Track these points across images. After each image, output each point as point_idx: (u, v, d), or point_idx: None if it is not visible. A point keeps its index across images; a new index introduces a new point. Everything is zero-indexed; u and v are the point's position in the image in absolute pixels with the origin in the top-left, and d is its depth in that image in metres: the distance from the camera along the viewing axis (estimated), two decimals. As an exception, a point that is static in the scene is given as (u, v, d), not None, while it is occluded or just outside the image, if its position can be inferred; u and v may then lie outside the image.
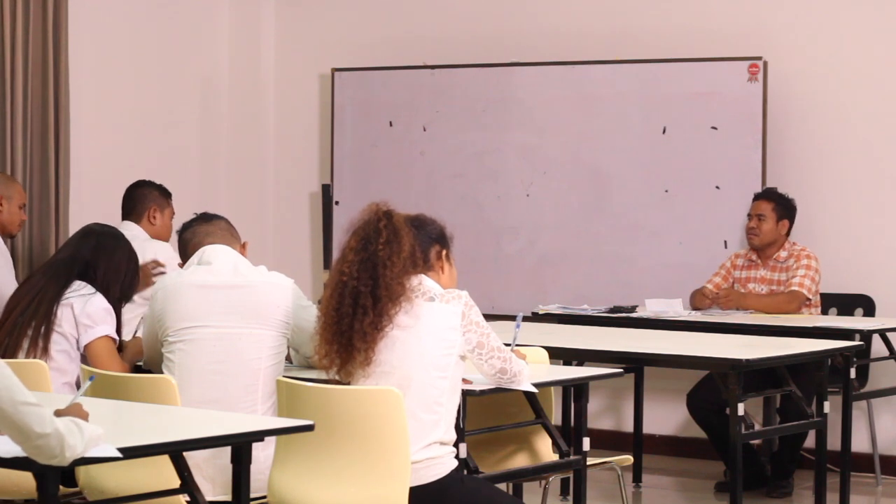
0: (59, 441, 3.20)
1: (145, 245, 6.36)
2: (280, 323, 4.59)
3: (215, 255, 4.68)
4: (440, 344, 4.18)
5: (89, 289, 4.92)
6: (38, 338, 4.82)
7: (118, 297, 4.99)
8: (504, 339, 4.43)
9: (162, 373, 4.59)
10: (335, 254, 4.37)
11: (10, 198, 6.77)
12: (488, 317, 4.40)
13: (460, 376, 4.26)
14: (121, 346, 5.01)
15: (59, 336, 4.85)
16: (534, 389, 4.49)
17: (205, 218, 4.90)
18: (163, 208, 6.71)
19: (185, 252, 4.80)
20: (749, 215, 7.23)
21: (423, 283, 4.25)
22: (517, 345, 4.80)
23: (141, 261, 5.37)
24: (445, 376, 4.18)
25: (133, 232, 6.39)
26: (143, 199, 6.70)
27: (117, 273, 5.00)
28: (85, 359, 4.89)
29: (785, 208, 7.17)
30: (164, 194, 6.77)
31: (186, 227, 4.87)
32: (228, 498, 3.80)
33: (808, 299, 7.02)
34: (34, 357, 4.78)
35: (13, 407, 3.15)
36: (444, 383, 4.18)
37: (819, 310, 7.10)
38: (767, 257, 7.17)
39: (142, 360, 4.96)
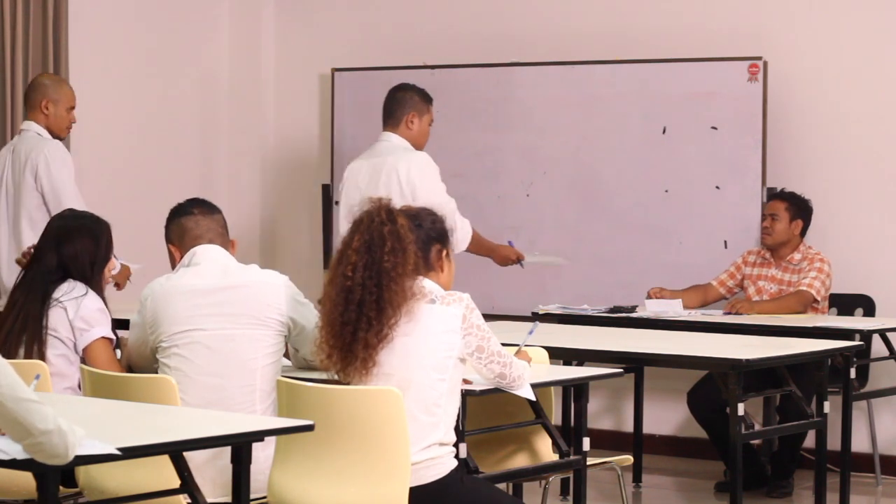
0: (62, 439, 3.19)
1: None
2: (274, 321, 4.57)
3: (205, 257, 4.64)
4: (440, 346, 4.17)
5: (81, 288, 4.87)
6: (32, 346, 4.77)
7: (99, 277, 4.93)
8: (504, 340, 4.42)
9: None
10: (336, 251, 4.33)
11: (58, 101, 6.69)
12: (488, 317, 4.40)
13: (460, 379, 4.25)
14: (118, 343, 4.97)
15: (56, 341, 4.82)
16: (532, 397, 4.47)
17: (207, 208, 4.79)
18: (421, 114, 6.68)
19: (184, 241, 4.71)
20: (763, 215, 7.24)
21: (424, 285, 4.23)
22: (527, 345, 4.80)
23: None
24: (444, 378, 4.17)
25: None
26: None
27: (87, 256, 4.93)
28: (84, 360, 4.88)
29: (798, 208, 7.17)
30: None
31: (187, 212, 4.76)
32: (229, 499, 3.80)
33: (816, 301, 7.03)
34: None
35: (15, 403, 3.14)
36: (442, 385, 4.17)
37: (826, 314, 7.10)
38: (780, 257, 7.17)
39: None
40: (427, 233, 4.34)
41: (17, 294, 4.94)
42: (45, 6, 7.66)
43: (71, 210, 5.29)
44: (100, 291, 4.95)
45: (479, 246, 6.76)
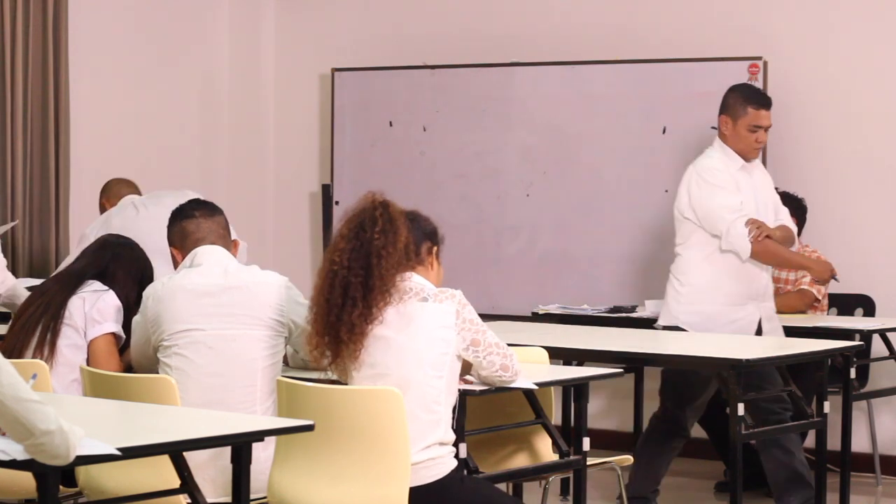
0: (64, 439, 3.19)
1: None
2: (274, 322, 4.58)
3: (206, 257, 4.65)
4: (435, 344, 4.18)
5: (103, 286, 4.93)
6: (46, 334, 4.83)
7: (135, 305, 5.00)
8: (504, 340, 4.42)
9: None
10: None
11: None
12: (488, 317, 4.40)
13: (456, 376, 4.25)
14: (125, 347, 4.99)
15: (70, 330, 4.86)
16: (533, 386, 4.48)
17: (208, 210, 4.80)
18: None
19: (185, 244, 4.73)
20: None
21: (415, 280, 4.24)
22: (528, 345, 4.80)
23: None
24: (442, 375, 4.18)
25: None
26: None
27: (134, 284, 5.01)
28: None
29: (792, 208, 7.16)
30: None
31: (188, 215, 4.78)
32: (229, 499, 3.80)
33: (818, 300, 7.03)
34: (41, 356, 4.79)
35: (17, 403, 3.15)
36: (440, 383, 4.18)
37: (826, 312, 7.10)
38: (777, 257, 7.17)
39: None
40: (420, 228, 4.38)
41: (49, 283, 5.05)
42: (45, 6, 7.66)
43: (122, 237, 5.34)
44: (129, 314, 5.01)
45: (786, 261, 6.39)
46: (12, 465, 3.26)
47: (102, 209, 6.90)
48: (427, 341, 4.17)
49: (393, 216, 4.22)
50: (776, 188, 7.38)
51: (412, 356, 4.16)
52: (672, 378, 6.25)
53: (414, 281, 4.23)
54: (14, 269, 7.60)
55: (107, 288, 4.95)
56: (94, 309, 4.88)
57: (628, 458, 5.29)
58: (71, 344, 4.86)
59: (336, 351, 4.18)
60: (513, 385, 4.40)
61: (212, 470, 4.29)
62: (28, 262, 7.67)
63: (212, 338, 4.52)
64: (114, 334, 4.91)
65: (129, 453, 3.39)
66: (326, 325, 4.17)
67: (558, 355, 5.70)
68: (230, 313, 4.54)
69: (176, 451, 3.69)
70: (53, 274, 5.23)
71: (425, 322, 4.18)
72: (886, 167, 7.45)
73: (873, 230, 7.48)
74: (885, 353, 6.87)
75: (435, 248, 4.44)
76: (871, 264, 7.46)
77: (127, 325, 4.93)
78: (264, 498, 4.25)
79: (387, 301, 4.16)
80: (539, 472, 4.95)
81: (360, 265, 4.16)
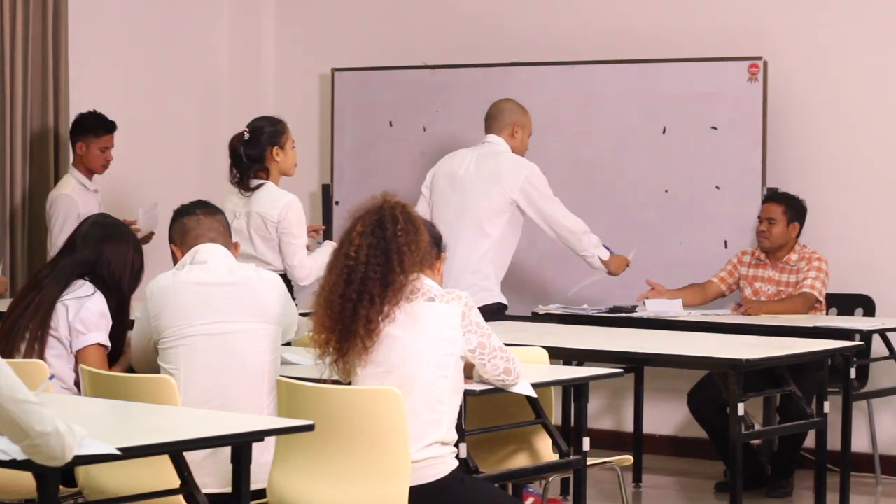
0: (60, 441, 3.19)
1: None
2: (278, 317, 4.62)
3: (210, 255, 4.66)
4: (441, 344, 4.18)
5: (88, 288, 4.86)
6: (34, 341, 4.78)
7: (128, 289, 4.95)
8: (504, 340, 4.42)
9: (151, 373, 4.58)
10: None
11: (524, 126, 6.88)
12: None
13: (461, 377, 4.26)
14: (123, 348, 4.96)
15: (54, 340, 4.80)
16: (533, 393, 4.48)
17: (209, 210, 4.82)
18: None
19: (185, 239, 4.73)
20: (759, 218, 7.22)
21: (425, 282, 4.25)
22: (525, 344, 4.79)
23: None
24: (446, 375, 4.18)
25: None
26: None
27: (125, 265, 4.95)
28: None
29: (795, 210, 7.15)
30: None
31: (189, 212, 4.79)
32: (229, 489, 3.79)
33: (819, 301, 7.03)
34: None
35: (14, 404, 3.15)
36: (444, 383, 4.18)
37: (825, 312, 7.11)
38: (777, 259, 7.16)
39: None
40: (430, 232, 4.38)
41: (43, 273, 4.97)
42: (45, 6, 7.66)
43: (109, 216, 5.27)
44: (127, 301, 4.96)
45: None
46: (12, 465, 3.26)
47: None
48: (432, 341, 4.17)
49: (413, 216, 4.25)
50: (774, 188, 7.40)
51: (417, 355, 4.16)
52: None
53: (423, 282, 4.24)
54: (13, 269, 7.60)
55: (91, 292, 4.84)
56: (76, 319, 4.79)
57: (628, 458, 5.29)
58: (57, 354, 4.81)
59: (344, 347, 4.18)
60: (513, 390, 4.41)
61: (212, 465, 4.29)
62: (27, 261, 7.66)
63: (219, 332, 4.53)
64: (100, 345, 4.86)
65: (129, 453, 3.39)
66: (339, 320, 4.17)
67: (558, 355, 5.70)
68: (237, 308, 4.56)
69: (176, 451, 3.69)
70: (47, 264, 5.13)
71: (432, 322, 4.18)
72: (886, 167, 7.45)
73: (873, 230, 7.48)
74: (885, 353, 6.87)
75: (442, 254, 4.47)
76: (871, 264, 7.46)
77: (129, 314, 4.91)
78: (264, 494, 4.25)
79: (398, 299, 4.16)
80: (539, 472, 4.95)
81: (377, 261, 4.16)
